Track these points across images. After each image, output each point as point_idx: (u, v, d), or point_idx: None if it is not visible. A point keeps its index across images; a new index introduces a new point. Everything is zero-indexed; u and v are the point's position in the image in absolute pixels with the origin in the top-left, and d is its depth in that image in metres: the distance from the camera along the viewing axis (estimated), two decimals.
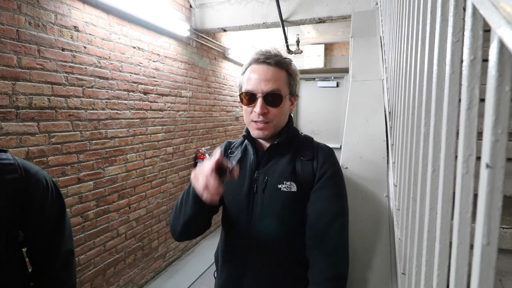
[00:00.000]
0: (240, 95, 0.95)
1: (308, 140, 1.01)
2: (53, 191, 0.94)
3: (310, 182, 0.92)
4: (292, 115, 1.04)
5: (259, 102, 0.89)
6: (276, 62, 0.91)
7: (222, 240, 1.04)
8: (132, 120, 2.58)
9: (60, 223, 0.95)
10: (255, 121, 0.92)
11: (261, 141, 1.00)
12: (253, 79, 0.90)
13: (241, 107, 0.98)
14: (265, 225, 0.92)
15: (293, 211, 0.92)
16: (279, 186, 0.92)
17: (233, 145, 1.08)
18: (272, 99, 0.89)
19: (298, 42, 4.29)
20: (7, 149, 0.90)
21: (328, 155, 0.96)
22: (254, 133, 0.94)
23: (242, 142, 1.06)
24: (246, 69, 0.95)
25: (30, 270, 0.96)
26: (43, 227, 0.92)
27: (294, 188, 0.91)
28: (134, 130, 2.61)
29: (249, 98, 0.91)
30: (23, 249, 0.93)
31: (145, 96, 2.72)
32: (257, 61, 0.92)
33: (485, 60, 0.32)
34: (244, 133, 1.00)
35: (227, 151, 1.07)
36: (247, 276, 0.94)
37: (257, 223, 0.93)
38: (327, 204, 0.90)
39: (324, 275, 0.85)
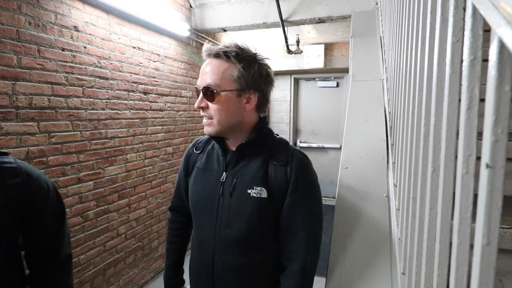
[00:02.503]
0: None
1: (283, 143, 0.96)
2: (54, 196, 0.93)
3: (282, 189, 0.87)
4: (262, 115, 0.97)
5: (200, 95, 0.86)
6: (215, 54, 0.85)
7: (192, 238, 1.03)
8: (132, 120, 2.58)
9: (60, 228, 0.95)
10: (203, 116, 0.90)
11: (228, 142, 0.94)
12: (200, 73, 0.89)
13: None
14: (233, 230, 0.88)
15: (263, 217, 0.88)
16: (249, 191, 0.87)
17: (200, 140, 1.05)
18: (208, 94, 0.85)
19: (298, 42, 4.29)
20: (9, 152, 0.89)
21: (302, 164, 0.90)
22: (204, 129, 0.90)
23: (209, 140, 1.02)
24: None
25: (27, 273, 0.95)
26: (43, 232, 0.91)
27: (264, 194, 0.87)
28: (134, 130, 2.61)
29: (197, 93, 0.88)
30: (21, 253, 0.93)
31: (145, 96, 2.72)
32: (205, 56, 0.89)
33: (485, 60, 0.32)
34: None
35: (194, 150, 1.03)
36: (216, 276, 0.92)
37: (224, 228, 0.89)
38: (303, 220, 0.89)
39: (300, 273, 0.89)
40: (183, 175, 1.06)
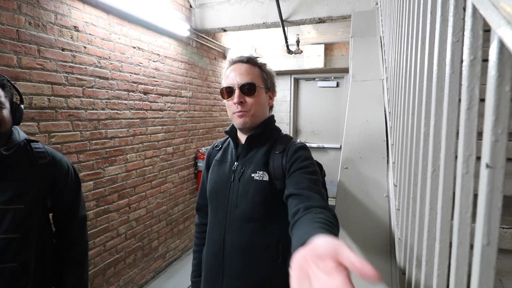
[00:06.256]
0: (221, 91, 1.06)
1: (286, 137, 1.08)
2: (72, 173, 1.22)
3: (279, 173, 0.98)
4: (273, 113, 1.14)
5: (236, 92, 1.00)
6: (248, 60, 1.05)
7: (208, 222, 1.12)
8: (132, 120, 2.58)
9: (77, 196, 1.23)
10: (236, 112, 1.01)
11: (240, 136, 1.09)
12: (230, 76, 1.03)
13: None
14: (240, 210, 1.00)
15: (264, 197, 0.98)
16: (253, 175, 1.00)
17: (219, 141, 1.21)
18: (247, 89, 1.01)
19: (298, 42, 4.29)
20: (38, 140, 1.17)
21: (298, 147, 1.00)
22: (237, 122, 1.03)
23: (227, 138, 1.17)
24: (225, 73, 1.08)
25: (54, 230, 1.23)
26: (65, 199, 1.19)
27: (266, 177, 0.99)
28: (134, 130, 2.61)
29: (228, 92, 1.03)
30: (50, 215, 1.21)
31: (145, 96, 2.72)
32: (232, 62, 1.07)
33: (485, 60, 0.32)
34: (227, 129, 1.10)
35: (214, 148, 1.19)
36: (225, 255, 1.01)
37: (233, 208, 1.01)
38: (300, 177, 0.90)
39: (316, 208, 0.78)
40: (205, 173, 1.19)
